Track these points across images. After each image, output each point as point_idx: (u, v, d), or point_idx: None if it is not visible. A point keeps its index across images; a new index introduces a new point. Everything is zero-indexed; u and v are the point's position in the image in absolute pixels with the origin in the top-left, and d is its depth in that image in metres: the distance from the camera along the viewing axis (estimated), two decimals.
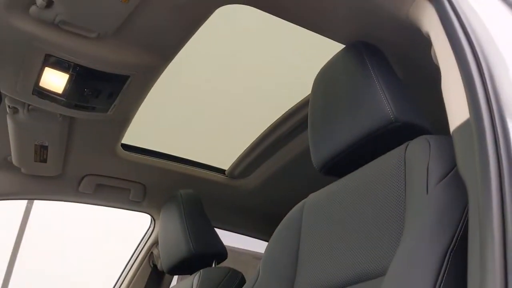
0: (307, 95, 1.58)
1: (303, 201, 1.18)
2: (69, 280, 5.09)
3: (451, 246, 0.65)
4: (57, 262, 5.21)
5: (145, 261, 2.23)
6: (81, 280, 5.04)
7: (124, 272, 2.27)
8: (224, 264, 1.86)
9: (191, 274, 1.79)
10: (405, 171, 0.86)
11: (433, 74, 0.86)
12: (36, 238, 5.32)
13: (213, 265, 1.81)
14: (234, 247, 2.55)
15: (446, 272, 0.63)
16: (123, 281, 2.23)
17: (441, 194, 0.73)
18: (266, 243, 1.23)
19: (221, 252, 1.80)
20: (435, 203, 0.72)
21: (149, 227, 2.32)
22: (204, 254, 1.74)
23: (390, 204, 0.86)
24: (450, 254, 0.65)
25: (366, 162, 1.02)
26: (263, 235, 2.37)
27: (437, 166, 0.78)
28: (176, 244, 1.76)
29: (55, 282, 5.11)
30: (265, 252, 1.18)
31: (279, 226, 1.19)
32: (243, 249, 2.65)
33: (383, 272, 0.77)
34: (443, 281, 0.63)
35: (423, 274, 0.64)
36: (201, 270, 1.69)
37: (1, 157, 1.86)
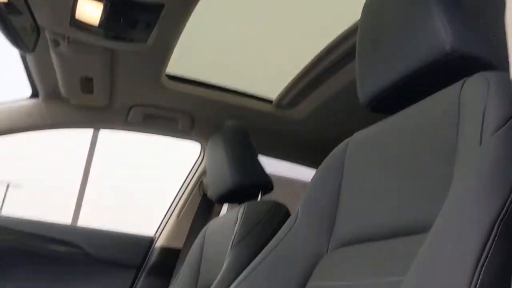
0: (357, 20, 1.44)
1: (347, 140, 1.10)
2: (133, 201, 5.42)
3: (504, 211, 0.56)
4: (125, 182, 5.54)
5: (195, 189, 2.27)
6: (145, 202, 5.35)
7: (175, 200, 2.32)
8: (274, 193, 1.84)
9: (239, 204, 1.80)
10: (458, 114, 0.75)
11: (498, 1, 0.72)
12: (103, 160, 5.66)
13: (259, 196, 1.80)
14: (283, 176, 2.53)
15: (494, 241, 0.55)
16: (175, 207, 2.29)
17: (497, 146, 0.62)
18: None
19: (266, 183, 1.78)
20: (488, 157, 0.62)
21: (199, 155, 2.33)
22: (248, 185, 1.73)
23: (439, 152, 0.77)
24: (501, 221, 0.56)
25: (418, 99, 0.91)
26: (312, 163, 2.33)
27: (494, 111, 0.67)
28: (222, 175, 1.76)
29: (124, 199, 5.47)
30: (305, 192, 1.13)
31: (321, 166, 1.13)
32: (294, 178, 2.63)
33: (426, 228, 0.70)
34: (491, 249, 0.55)
35: (468, 241, 0.56)
36: (245, 203, 1.69)
37: (52, 89, 1.88)
